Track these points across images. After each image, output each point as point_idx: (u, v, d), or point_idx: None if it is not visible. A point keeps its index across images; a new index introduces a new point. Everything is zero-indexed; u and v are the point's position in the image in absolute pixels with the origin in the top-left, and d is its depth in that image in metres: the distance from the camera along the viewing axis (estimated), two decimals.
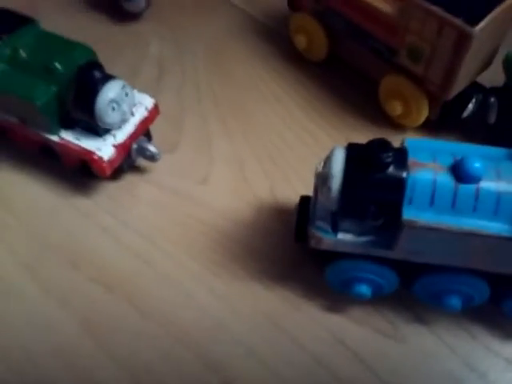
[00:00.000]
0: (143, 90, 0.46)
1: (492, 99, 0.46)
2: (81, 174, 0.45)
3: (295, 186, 0.47)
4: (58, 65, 0.40)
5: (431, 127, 0.49)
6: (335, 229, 0.35)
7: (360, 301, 0.39)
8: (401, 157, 0.32)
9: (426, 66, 0.43)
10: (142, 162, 0.47)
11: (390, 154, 0.31)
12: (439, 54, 0.42)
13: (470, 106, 0.46)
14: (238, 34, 0.58)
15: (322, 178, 0.34)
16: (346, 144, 0.34)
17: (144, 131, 0.45)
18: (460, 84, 0.44)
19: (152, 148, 0.44)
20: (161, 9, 0.61)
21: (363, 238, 0.35)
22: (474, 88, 0.46)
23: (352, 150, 0.33)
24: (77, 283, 0.41)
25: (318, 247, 0.36)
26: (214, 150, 0.50)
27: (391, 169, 0.32)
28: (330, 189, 0.33)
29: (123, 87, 0.40)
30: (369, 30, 0.46)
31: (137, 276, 0.42)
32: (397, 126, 0.50)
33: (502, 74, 0.47)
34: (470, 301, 0.37)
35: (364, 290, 0.38)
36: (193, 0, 0.62)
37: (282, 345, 0.39)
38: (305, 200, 0.40)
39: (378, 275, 0.37)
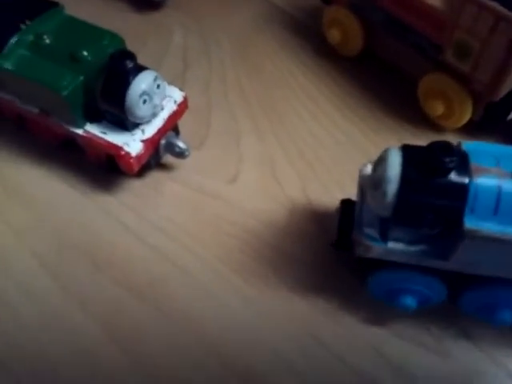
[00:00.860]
0: (168, 82, 0.43)
1: None
2: (105, 169, 0.42)
3: (329, 188, 0.44)
4: (85, 53, 0.37)
5: (471, 129, 0.47)
6: (385, 236, 0.33)
7: (402, 313, 0.37)
8: (463, 161, 0.30)
9: (474, 64, 0.41)
10: (168, 158, 0.44)
11: (454, 158, 0.29)
12: (490, 51, 0.39)
13: None
14: (265, 26, 0.56)
15: (375, 182, 0.31)
16: (397, 145, 0.32)
17: (172, 126, 0.42)
18: (509, 84, 0.41)
19: (181, 144, 0.42)
20: None
21: (415, 247, 0.33)
22: None
23: (409, 152, 0.31)
24: (100, 286, 0.39)
25: (365, 255, 0.34)
26: (243, 147, 0.47)
27: (453, 174, 0.29)
28: (384, 194, 0.30)
29: (155, 79, 0.38)
30: (411, 25, 0.44)
31: (164, 279, 0.39)
32: (435, 126, 0.48)
33: None
34: None
35: (410, 301, 0.35)
36: None
37: (319, 357, 0.37)
38: (347, 204, 0.37)
39: (425, 286, 0.35)
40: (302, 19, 0.57)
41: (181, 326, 0.37)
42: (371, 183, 0.32)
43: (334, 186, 0.44)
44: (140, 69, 0.37)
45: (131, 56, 0.37)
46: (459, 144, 0.32)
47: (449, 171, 0.29)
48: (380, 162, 0.31)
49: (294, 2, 0.58)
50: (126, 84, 0.36)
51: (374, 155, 0.33)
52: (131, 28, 0.55)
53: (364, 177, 0.35)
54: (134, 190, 0.43)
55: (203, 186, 0.44)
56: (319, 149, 0.47)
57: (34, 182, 0.43)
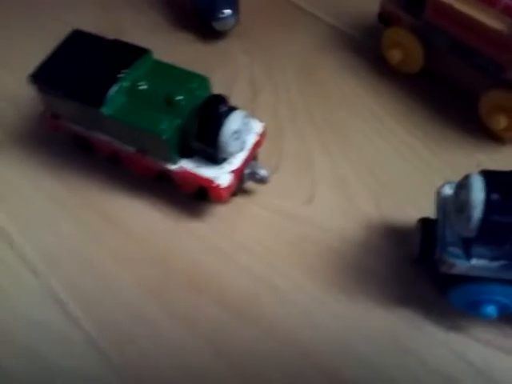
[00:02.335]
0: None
1: None
2: (195, 198, 0.46)
3: (400, 203, 0.47)
4: (179, 97, 0.41)
5: None
6: (468, 253, 0.36)
7: (483, 320, 0.40)
8: None
9: None
10: (248, 183, 0.48)
11: None
12: None
13: None
14: (326, 49, 0.59)
15: (459, 207, 0.34)
16: (473, 168, 0.35)
17: (254, 155, 0.46)
18: None
19: (263, 172, 0.46)
20: (246, 26, 0.61)
21: (497, 263, 0.35)
22: None
23: (490, 177, 0.33)
24: (202, 307, 0.43)
25: (449, 272, 0.37)
26: (315, 169, 0.50)
27: None
28: (469, 218, 0.33)
29: (244, 117, 0.41)
30: (473, 46, 0.46)
31: (259, 298, 0.43)
32: (498, 138, 0.50)
33: None
34: None
35: (491, 310, 0.38)
36: (278, 15, 0.63)
37: (407, 365, 0.40)
38: (426, 222, 0.40)
39: (505, 296, 0.38)
40: (362, 40, 0.59)
41: (280, 342, 0.41)
42: (455, 207, 0.35)
43: (405, 201, 0.47)
44: (232, 110, 0.41)
45: (224, 100, 0.41)
46: None
47: None
48: (462, 188, 0.34)
49: (353, 23, 0.61)
50: (219, 125, 0.40)
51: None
52: (198, 58, 0.59)
53: (444, 199, 0.38)
54: (221, 216, 0.47)
55: (283, 208, 0.48)
56: (387, 165, 0.50)
57: (131, 212, 0.48)
